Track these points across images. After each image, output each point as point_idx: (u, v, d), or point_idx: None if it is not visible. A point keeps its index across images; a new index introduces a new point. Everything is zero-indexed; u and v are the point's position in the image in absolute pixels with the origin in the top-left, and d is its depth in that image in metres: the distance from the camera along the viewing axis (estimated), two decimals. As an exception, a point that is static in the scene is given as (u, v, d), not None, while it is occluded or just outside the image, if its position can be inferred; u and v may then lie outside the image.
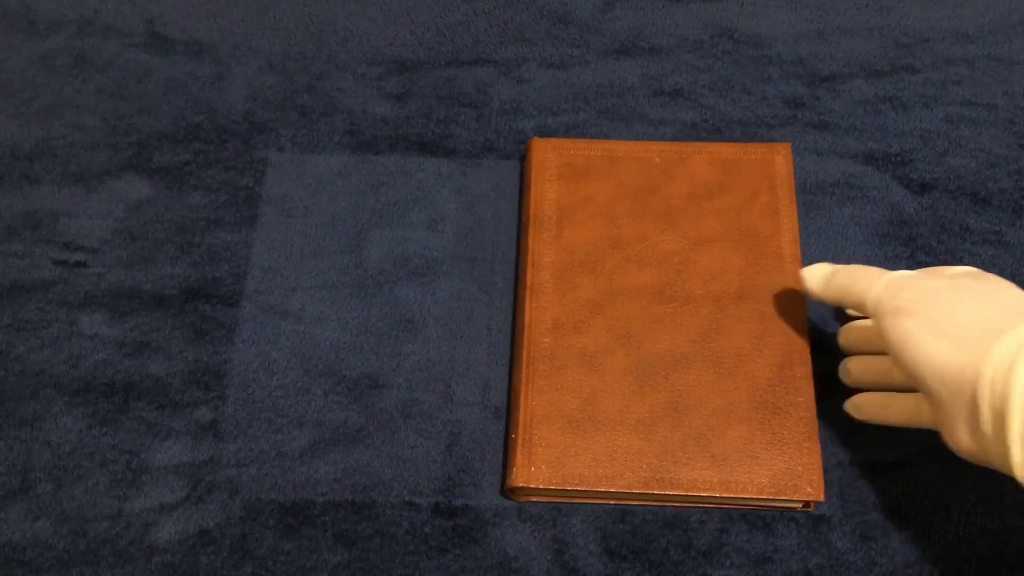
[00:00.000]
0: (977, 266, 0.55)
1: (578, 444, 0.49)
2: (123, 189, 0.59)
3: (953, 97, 0.61)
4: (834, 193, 0.58)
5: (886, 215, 0.57)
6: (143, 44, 0.64)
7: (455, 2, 0.65)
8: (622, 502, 0.49)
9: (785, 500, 0.47)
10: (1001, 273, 0.55)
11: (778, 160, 0.56)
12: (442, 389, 0.52)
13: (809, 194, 0.58)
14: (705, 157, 0.57)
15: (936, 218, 0.57)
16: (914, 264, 0.55)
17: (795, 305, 0.52)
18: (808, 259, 0.55)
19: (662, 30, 0.64)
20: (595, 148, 0.57)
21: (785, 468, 0.48)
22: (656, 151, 0.57)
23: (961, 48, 0.63)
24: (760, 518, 0.49)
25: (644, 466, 0.48)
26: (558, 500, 0.49)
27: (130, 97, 0.62)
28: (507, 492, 0.49)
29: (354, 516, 0.49)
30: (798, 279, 0.52)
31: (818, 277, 0.48)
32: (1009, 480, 0.49)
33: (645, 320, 0.52)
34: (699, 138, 0.60)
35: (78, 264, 0.56)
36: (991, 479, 0.49)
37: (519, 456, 0.48)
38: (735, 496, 0.47)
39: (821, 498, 0.47)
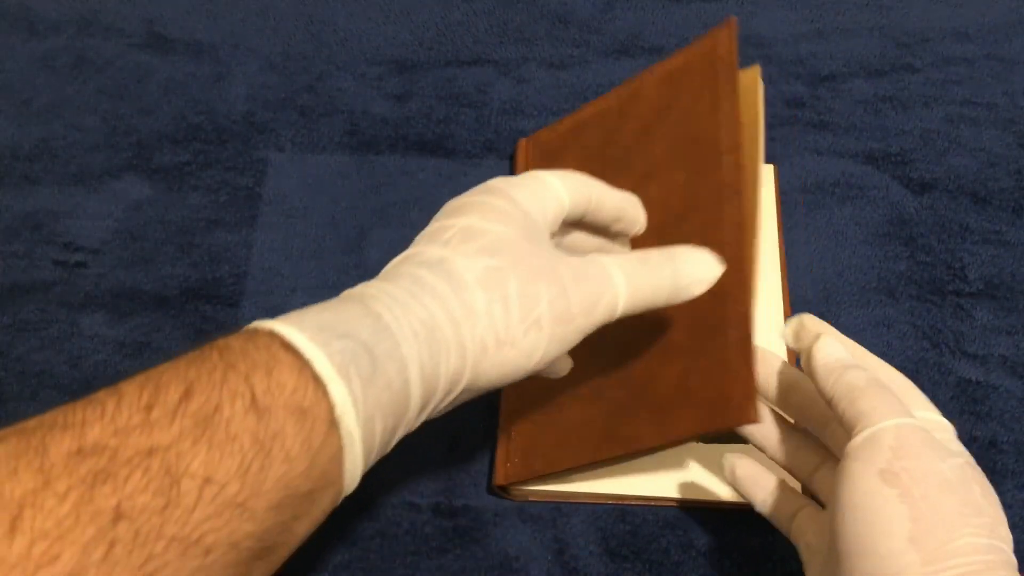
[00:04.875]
0: (976, 265, 0.55)
1: (545, 431, 0.47)
2: (123, 189, 0.59)
3: (953, 97, 0.61)
4: (834, 193, 0.58)
5: (886, 215, 0.57)
6: (143, 44, 0.64)
7: (455, 2, 0.65)
8: (622, 502, 0.49)
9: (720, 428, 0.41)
10: (1001, 273, 0.55)
11: (720, 44, 0.46)
12: (442, 389, 0.52)
13: (809, 194, 0.58)
14: (655, 79, 0.50)
15: (936, 218, 0.57)
16: (914, 264, 0.55)
17: (732, 205, 0.43)
18: (808, 258, 0.55)
19: (662, 30, 0.64)
20: (564, 124, 0.55)
21: (718, 397, 0.41)
22: (613, 97, 0.52)
23: (961, 48, 0.63)
24: (760, 518, 0.49)
25: (594, 433, 0.45)
26: (557, 500, 0.49)
27: (130, 97, 0.62)
28: (499, 491, 0.49)
29: (354, 516, 0.49)
30: (737, 181, 0.43)
31: (832, 358, 0.39)
32: (1009, 479, 0.49)
33: None
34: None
35: (78, 264, 0.56)
36: (990, 477, 0.49)
37: (499, 454, 0.48)
38: (673, 439, 0.43)
39: (755, 419, 0.39)
